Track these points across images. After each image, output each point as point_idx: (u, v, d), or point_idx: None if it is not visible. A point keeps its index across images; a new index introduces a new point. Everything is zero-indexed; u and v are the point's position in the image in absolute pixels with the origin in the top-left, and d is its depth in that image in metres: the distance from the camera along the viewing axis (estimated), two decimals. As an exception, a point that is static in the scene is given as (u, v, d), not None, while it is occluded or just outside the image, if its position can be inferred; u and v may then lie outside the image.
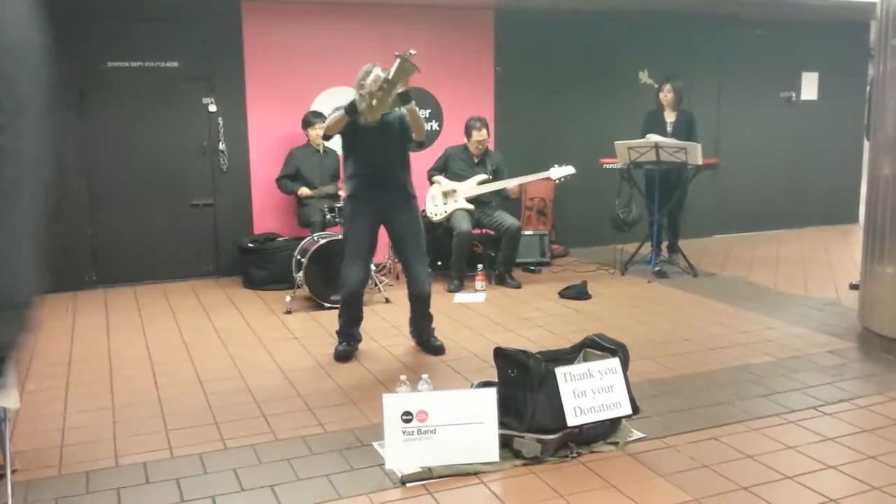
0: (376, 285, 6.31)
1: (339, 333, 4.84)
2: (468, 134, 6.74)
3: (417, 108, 4.61)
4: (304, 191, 6.74)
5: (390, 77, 4.26)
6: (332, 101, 7.24)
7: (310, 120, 6.88)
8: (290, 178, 6.84)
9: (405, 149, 4.74)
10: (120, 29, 6.65)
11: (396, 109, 4.61)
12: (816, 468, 3.25)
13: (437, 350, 4.79)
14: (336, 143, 6.89)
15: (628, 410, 3.47)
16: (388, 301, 6.14)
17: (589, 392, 3.40)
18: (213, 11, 6.86)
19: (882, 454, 3.36)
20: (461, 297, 6.27)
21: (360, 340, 4.89)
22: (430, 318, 4.89)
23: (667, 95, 7.18)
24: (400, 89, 4.36)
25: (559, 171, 6.52)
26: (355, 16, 7.29)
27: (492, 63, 7.90)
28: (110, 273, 6.84)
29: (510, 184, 6.61)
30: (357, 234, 4.71)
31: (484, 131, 6.70)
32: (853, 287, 6.10)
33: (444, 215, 6.69)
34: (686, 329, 5.32)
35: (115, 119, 6.74)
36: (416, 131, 4.64)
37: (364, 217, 4.68)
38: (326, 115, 6.92)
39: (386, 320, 5.65)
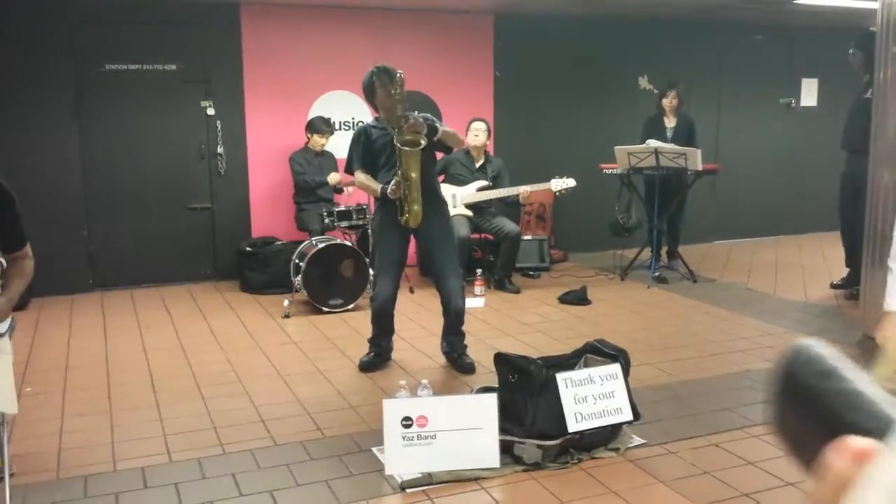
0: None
1: (369, 342, 4.75)
2: (467, 128, 6.74)
3: (444, 130, 4.41)
4: (334, 176, 6.64)
5: (403, 172, 4.22)
6: (330, 105, 7.26)
7: (320, 127, 6.80)
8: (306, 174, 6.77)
9: (432, 155, 4.59)
10: (118, 31, 6.63)
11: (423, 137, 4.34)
12: (818, 475, 3.23)
13: (468, 368, 4.60)
14: (333, 147, 6.93)
15: (629, 416, 3.46)
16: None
17: (590, 398, 3.39)
18: (212, 14, 6.84)
19: (884, 461, 3.34)
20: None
21: (390, 351, 4.77)
22: (462, 335, 4.70)
23: (671, 102, 7.17)
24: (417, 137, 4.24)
25: (560, 184, 6.47)
26: (354, 20, 7.27)
27: (491, 68, 7.89)
28: (107, 277, 6.81)
29: (510, 192, 6.54)
30: (386, 245, 4.57)
31: (483, 125, 6.72)
32: (834, 287, 6.46)
33: None
34: (686, 335, 5.31)
35: (113, 122, 6.71)
36: (454, 146, 4.70)
37: (393, 226, 4.46)
38: (328, 119, 6.97)
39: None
